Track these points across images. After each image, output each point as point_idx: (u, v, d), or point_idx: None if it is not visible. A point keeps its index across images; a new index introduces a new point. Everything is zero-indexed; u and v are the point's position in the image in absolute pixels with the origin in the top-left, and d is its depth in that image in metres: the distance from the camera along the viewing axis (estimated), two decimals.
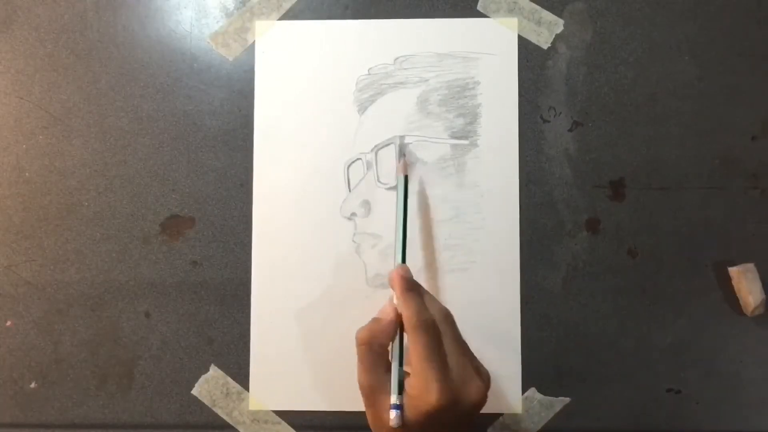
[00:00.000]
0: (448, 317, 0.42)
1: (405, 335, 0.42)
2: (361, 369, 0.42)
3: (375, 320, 0.43)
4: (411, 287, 0.43)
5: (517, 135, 0.52)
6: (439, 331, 0.41)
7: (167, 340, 0.51)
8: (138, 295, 0.52)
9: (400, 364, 0.42)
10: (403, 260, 0.45)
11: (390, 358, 0.43)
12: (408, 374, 0.41)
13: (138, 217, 0.52)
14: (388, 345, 0.43)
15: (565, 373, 0.50)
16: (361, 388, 0.42)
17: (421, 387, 0.39)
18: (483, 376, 0.41)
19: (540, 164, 0.52)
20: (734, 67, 0.52)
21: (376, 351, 0.42)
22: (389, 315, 0.42)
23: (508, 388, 0.50)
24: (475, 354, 0.49)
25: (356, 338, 0.42)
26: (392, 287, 0.43)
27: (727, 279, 0.50)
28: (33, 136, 0.53)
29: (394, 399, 0.40)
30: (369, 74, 0.52)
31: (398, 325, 0.42)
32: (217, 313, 0.52)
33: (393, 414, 0.39)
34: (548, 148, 0.52)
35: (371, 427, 0.43)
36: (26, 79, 0.53)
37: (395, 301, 0.43)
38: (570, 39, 0.52)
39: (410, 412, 0.40)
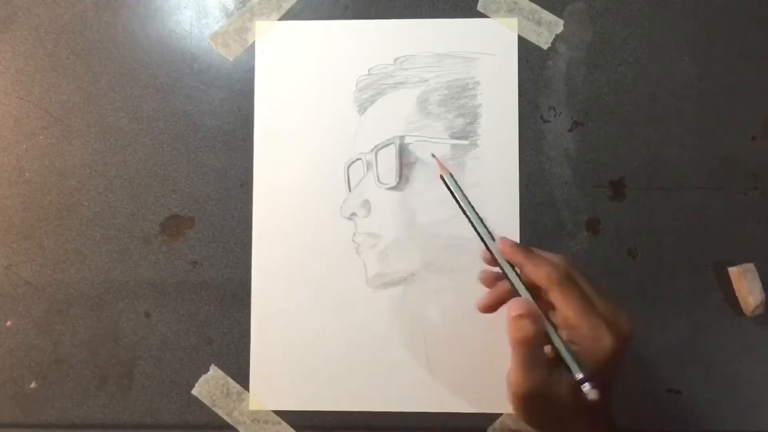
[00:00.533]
0: (569, 262, 0.40)
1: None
2: (521, 370, 0.38)
3: (521, 315, 0.39)
4: (526, 248, 0.41)
5: (517, 135, 0.52)
6: (579, 277, 0.40)
7: (167, 340, 0.51)
8: (138, 295, 0.52)
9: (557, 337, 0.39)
10: (493, 238, 0.42)
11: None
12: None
13: (138, 217, 0.52)
14: (544, 334, 0.39)
15: None
16: (529, 391, 0.38)
17: (590, 336, 0.38)
18: (619, 304, 0.40)
19: (540, 164, 0.52)
20: (734, 67, 0.52)
21: (536, 343, 0.38)
22: (529, 302, 0.39)
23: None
24: (476, 353, 0.49)
25: (514, 339, 0.38)
26: (506, 258, 0.41)
27: (727, 279, 0.50)
28: (33, 136, 0.53)
29: (579, 374, 0.37)
30: (369, 74, 0.52)
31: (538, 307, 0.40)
32: (217, 313, 0.52)
33: (587, 388, 0.37)
34: (548, 148, 0.52)
35: (530, 424, 0.40)
36: (26, 79, 0.53)
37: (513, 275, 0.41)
38: (570, 39, 0.52)
39: (588, 368, 0.38)
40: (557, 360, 0.39)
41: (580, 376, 0.37)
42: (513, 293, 0.41)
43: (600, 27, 0.52)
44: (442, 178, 0.44)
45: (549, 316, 0.40)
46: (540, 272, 0.39)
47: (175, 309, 0.52)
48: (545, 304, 0.40)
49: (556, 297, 0.39)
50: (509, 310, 0.39)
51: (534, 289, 0.40)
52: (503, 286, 0.42)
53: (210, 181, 0.52)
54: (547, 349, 0.39)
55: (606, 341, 0.37)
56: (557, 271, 0.39)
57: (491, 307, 0.43)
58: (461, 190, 0.44)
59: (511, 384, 0.38)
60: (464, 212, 0.43)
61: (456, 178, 0.44)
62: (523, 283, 0.41)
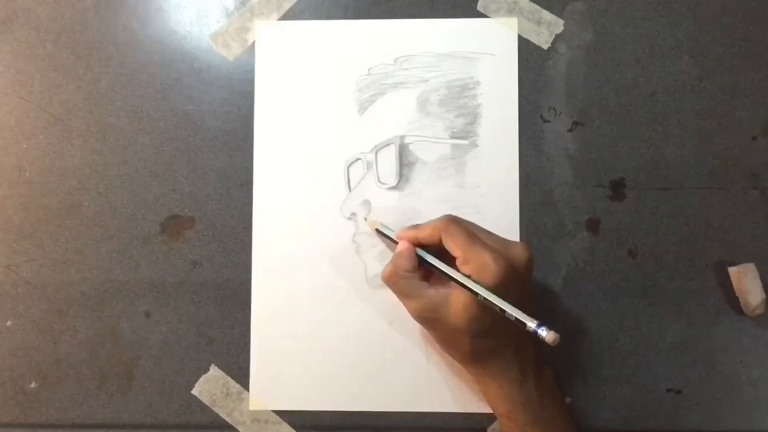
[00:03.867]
0: (459, 217, 0.46)
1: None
2: (406, 302, 0.45)
3: (394, 256, 0.46)
4: (415, 225, 0.46)
5: (517, 135, 0.52)
6: (464, 222, 0.45)
7: (167, 340, 0.51)
8: (138, 295, 0.52)
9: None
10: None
11: (421, 280, 0.45)
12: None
13: (138, 217, 0.52)
14: (413, 269, 0.45)
15: (565, 373, 0.50)
16: (419, 314, 0.44)
17: (478, 266, 0.42)
18: (517, 241, 0.46)
19: (540, 164, 0.52)
20: (734, 67, 0.52)
21: (405, 277, 0.44)
22: (404, 245, 0.46)
23: None
24: None
25: (383, 278, 0.45)
26: (406, 237, 0.46)
27: (727, 279, 0.50)
28: (33, 136, 0.53)
29: (532, 325, 0.39)
30: (369, 74, 0.52)
31: (414, 253, 0.45)
32: (217, 313, 0.52)
33: (544, 333, 0.39)
34: (548, 148, 0.52)
35: (442, 345, 0.47)
36: (26, 79, 0.53)
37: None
38: (570, 39, 0.52)
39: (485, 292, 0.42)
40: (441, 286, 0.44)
41: (532, 325, 0.39)
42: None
43: (600, 27, 0.52)
44: (377, 231, 0.50)
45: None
46: (426, 230, 0.45)
47: (175, 309, 0.52)
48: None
49: (446, 244, 0.44)
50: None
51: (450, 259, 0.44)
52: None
53: (210, 181, 0.52)
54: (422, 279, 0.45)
55: (490, 271, 0.41)
56: (439, 221, 0.44)
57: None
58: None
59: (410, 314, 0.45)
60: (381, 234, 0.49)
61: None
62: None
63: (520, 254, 0.43)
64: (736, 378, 0.50)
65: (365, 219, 0.51)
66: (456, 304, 0.42)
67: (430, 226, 0.45)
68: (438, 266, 0.44)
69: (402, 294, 0.45)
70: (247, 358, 0.51)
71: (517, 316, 0.40)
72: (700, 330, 0.50)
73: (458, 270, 0.43)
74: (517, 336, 0.44)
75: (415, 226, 0.46)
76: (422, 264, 0.46)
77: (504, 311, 0.40)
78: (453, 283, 0.43)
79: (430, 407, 0.50)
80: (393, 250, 0.47)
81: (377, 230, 0.50)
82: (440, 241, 0.44)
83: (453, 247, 0.43)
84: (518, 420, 0.44)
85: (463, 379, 0.50)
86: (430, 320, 0.44)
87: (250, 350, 0.51)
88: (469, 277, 0.42)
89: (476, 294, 0.41)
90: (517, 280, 0.43)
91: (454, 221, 0.44)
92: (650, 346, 0.50)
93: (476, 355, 0.44)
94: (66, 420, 0.51)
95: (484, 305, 0.42)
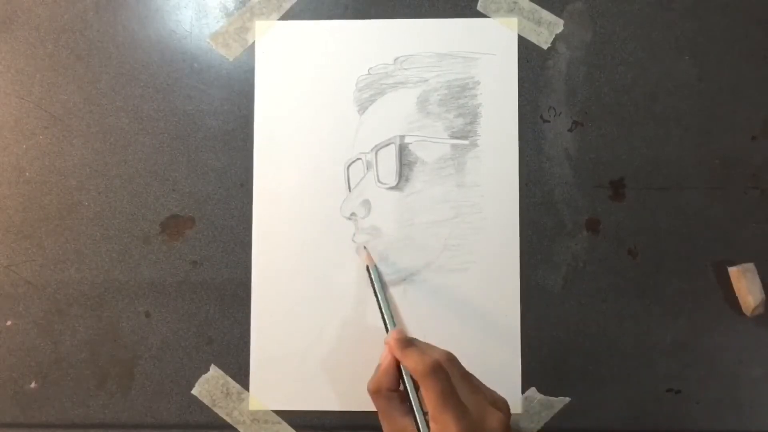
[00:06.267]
0: (451, 358, 0.42)
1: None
2: (380, 417, 0.43)
3: (378, 368, 0.44)
4: (408, 344, 0.43)
5: (517, 135, 0.52)
6: (447, 374, 0.41)
7: (167, 340, 0.51)
8: (138, 295, 0.52)
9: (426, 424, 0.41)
10: (393, 325, 0.46)
11: (403, 402, 0.43)
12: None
13: (138, 217, 0.52)
14: (395, 388, 0.43)
15: (565, 373, 0.50)
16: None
17: (438, 430, 0.39)
18: (501, 406, 0.42)
19: (540, 164, 0.52)
20: (734, 67, 0.52)
21: (386, 396, 0.43)
22: (388, 360, 0.43)
23: (508, 388, 0.50)
24: (476, 353, 0.49)
25: (368, 390, 0.44)
26: (392, 353, 0.43)
27: (727, 279, 0.50)
28: (33, 136, 0.53)
29: None
30: (369, 74, 0.52)
31: (399, 369, 0.43)
32: (217, 313, 0.52)
33: None
34: (548, 148, 0.52)
35: None
36: (26, 79, 0.53)
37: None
38: (570, 39, 0.52)
39: None
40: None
41: None
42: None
43: (600, 27, 0.52)
44: (367, 268, 0.49)
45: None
46: (410, 364, 0.41)
47: (175, 309, 0.52)
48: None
49: (422, 391, 0.40)
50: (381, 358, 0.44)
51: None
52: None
53: (210, 181, 0.52)
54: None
55: (493, 421, 0.39)
56: (423, 365, 0.40)
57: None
58: (381, 283, 0.49)
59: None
60: (380, 296, 0.48)
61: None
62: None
63: (494, 428, 0.40)
64: (736, 378, 0.50)
65: (364, 248, 0.51)
66: None
67: (414, 361, 0.41)
68: (414, 407, 0.42)
69: (379, 411, 0.43)
70: (247, 358, 0.51)
71: None
72: (700, 330, 0.50)
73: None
74: None
75: (406, 344, 0.43)
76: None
77: None
78: (432, 427, 0.40)
79: None
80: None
81: (367, 268, 0.49)
82: (414, 374, 0.41)
83: (426, 399, 0.40)
84: None
85: None
86: None
87: (250, 350, 0.51)
88: None
89: None
90: None
91: (434, 372, 0.40)
92: (650, 346, 0.50)
93: None
94: (66, 420, 0.51)
95: None
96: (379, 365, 0.44)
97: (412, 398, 0.42)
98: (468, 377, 0.42)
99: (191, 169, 0.52)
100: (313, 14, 0.53)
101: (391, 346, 0.43)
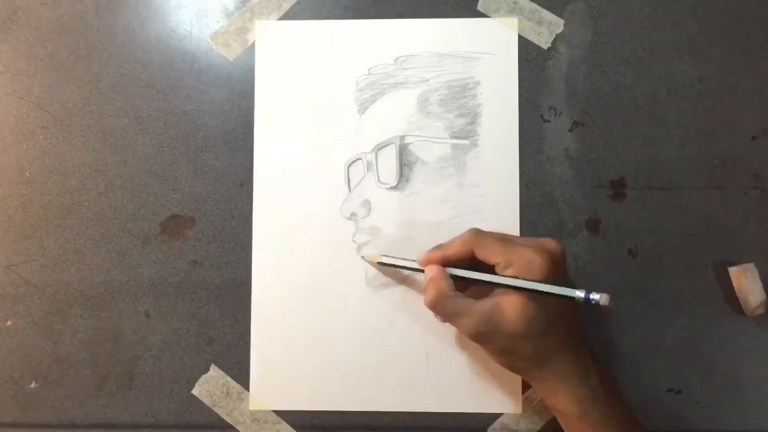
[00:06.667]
0: (477, 230, 0.46)
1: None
2: (458, 322, 0.44)
3: (427, 283, 0.45)
4: (437, 248, 0.46)
5: (517, 135, 0.52)
6: (485, 233, 0.45)
7: (167, 340, 0.51)
8: (138, 295, 0.52)
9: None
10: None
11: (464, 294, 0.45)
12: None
13: (138, 217, 0.52)
14: (453, 288, 0.45)
15: None
16: (475, 331, 0.43)
17: (521, 266, 0.42)
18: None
19: (540, 164, 0.52)
20: (734, 67, 0.52)
21: (451, 296, 0.44)
22: (434, 270, 0.45)
23: (508, 388, 0.50)
24: (475, 353, 0.49)
25: (428, 304, 0.45)
26: (434, 259, 0.46)
27: (727, 279, 0.50)
28: (33, 136, 0.53)
29: (580, 293, 0.40)
30: (369, 74, 0.52)
31: (445, 269, 0.45)
32: (217, 313, 0.52)
33: (599, 297, 0.40)
34: (548, 148, 0.52)
35: (500, 359, 0.45)
36: (26, 79, 0.53)
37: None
38: (570, 39, 0.52)
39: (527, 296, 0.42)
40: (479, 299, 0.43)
41: (581, 294, 0.40)
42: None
43: (600, 27, 0.52)
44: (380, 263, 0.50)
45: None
46: (454, 247, 0.45)
47: (175, 309, 0.52)
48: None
49: (481, 254, 0.44)
50: (425, 278, 0.46)
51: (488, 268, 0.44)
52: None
53: (210, 181, 0.52)
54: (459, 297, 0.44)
55: (537, 262, 0.42)
56: (466, 235, 0.45)
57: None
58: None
59: (463, 335, 0.45)
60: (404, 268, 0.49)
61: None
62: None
63: (555, 247, 0.44)
64: (736, 378, 0.50)
65: (362, 258, 0.51)
66: (510, 309, 0.42)
67: (458, 242, 0.45)
68: (481, 278, 0.44)
69: (452, 315, 0.44)
70: (247, 358, 0.51)
71: (578, 295, 0.40)
72: (700, 330, 0.50)
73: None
74: (572, 333, 0.44)
75: (439, 247, 0.46)
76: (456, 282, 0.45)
77: (564, 296, 0.41)
78: (498, 290, 0.43)
79: (430, 407, 0.50)
80: (408, 277, 0.49)
81: (380, 263, 0.49)
82: (470, 255, 0.44)
83: (490, 255, 0.43)
84: (591, 419, 0.43)
85: (463, 379, 0.50)
86: (486, 333, 0.43)
87: (250, 350, 0.51)
88: (516, 278, 0.42)
89: (530, 291, 0.41)
90: (559, 271, 0.43)
91: (479, 231, 0.45)
92: (650, 346, 0.50)
93: (541, 356, 0.43)
94: (66, 420, 0.51)
95: (539, 304, 0.42)
96: (427, 284, 0.45)
97: (475, 275, 0.44)
98: (502, 234, 0.46)
99: (191, 169, 0.52)
100: (313, 14, 0.53)
101: (430, 257, 0.46)
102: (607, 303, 0.39)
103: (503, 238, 0.44)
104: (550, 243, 0.44)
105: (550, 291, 0.41)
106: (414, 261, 0.47)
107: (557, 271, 0.43)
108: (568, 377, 0.43)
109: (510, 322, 0.42)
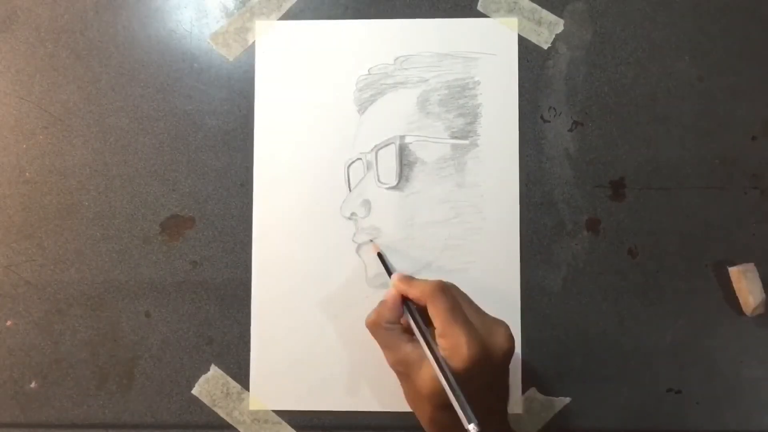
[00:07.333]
0: (453, 285, 0.45)
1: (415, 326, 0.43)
2: (384, 351, 0.44)
3: (380, 303, 0.45)
4: (411, 278, 0.45)
5: (517, 135, 0.52)
6: (452, 293, 0.43)
7: (167, 340, 0.51)
8: (138, 295, 0.52)
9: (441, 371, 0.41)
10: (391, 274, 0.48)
11: (404, 332, 0.44)
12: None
13: (138, 217, 0.52)
14: (396, 321, 0.44)
15: (565, 373, 0.50)
16: (393, 366, 0.44)
17: (451, 346, 0.40)
18: (502, 323, 0.43)
19: (540, 164, 0.52)
20: (734, 67, 0.52)
21: (387, 328, 0.44)
22: (392, 294, 0.45)
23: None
24: None
25: (366, 324, 0.45)
26: (397, 287, 0.45)
27: (727, 279, 0.50)
28: (33, 136, 0.53)
29: (468, 426, 0.38)
30: (369, 74, 0.52)
31: (401, 303, 0.44)
32: (217, 313, 0.52)
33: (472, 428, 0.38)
34: (548, 148, 0.52)
35: (409, 402, 0.45)
36: (26, 79, 0.53)
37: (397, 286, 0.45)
38: (570, 39, 0.52)
39: (451, 372, 0.40)
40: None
41: (470, 428, 0.38)
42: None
43: (600, 27, 0.52)
44: (378, 255, 0.50)
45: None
46: (416, 289, 0.43)
47: (175, 309, 0.52)
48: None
49: (430, 310, 0.42)
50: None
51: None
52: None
53: (210, 181, 0.52)
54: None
55: (462, 353, 0.40)
56: (429, 286, 0.43)
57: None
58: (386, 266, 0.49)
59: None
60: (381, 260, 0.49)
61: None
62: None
63: (500, 343, 0.42)
64: (736, 378, 0.50)
65: (371, 241, 0.51)
66: (426, 371, 0.41)
67: (420, 287, 0.43)
68: (415, 331, 0.43)
69: (381, 344, 0.44)
70: (247, 358, 0.51)
71: (459, 412, 0.38)
72: (700, 330, 0.50)
73: (435, 340, 0.42)
74: (481, 412, 0.40)
75: (409, 279, 0.45)
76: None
77: (452, 400, 0.39)
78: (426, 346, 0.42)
79: None
80: (388, 277, 0.48)
81: (378, 254, 0.50)
82: (422, 298, 0.43)
83: (434, 316, 0.42)
84: None
85: None
86: (402, 374, 0.43)
87: (250, 350, 0.51)
88: (435, 355, 0.41)
89: (444, 381, 0.40)
90: (489, 368, 0.41)
91: (441, 290, 0.42)
92: (650, 346, 0.50)
93: (436, 425, 0.42)
94: (66, 420, 0.51)
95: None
96: (381, 301, 0.45)
97: (414, 325, 0.43)
98: (469, 300, 0.44)
99: (191, 169, 0.52)
100: (313, 14, 0.53)
101: (396, 282, 0.45)
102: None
103: (454, 308, 0.41)
104: (498, 337, 0.42)
105: (447, 391, 0.39)
106: (394, 271, 0.48)
107: (483, 369, 0.40)
108: None
109: (420, 380, 0.41)
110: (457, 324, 0.41)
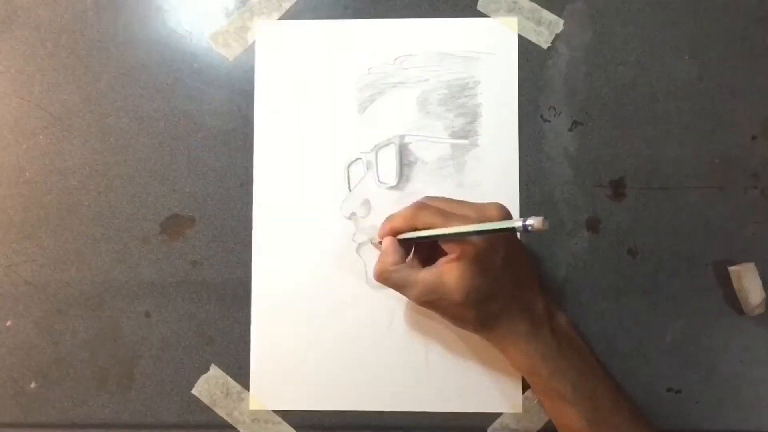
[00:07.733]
0: (428, 197, 0.47)
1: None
2: (404, 292, 0.45)
3: (380, 254, 0.46)
4: (389, 217, 0.46)
5: (517, 135, 0.52)
6: (433, 198, 0.46)
7: (167, 340, 0.51)
8: (138, 295, 0.52)
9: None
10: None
11: (412, 266, 0.45)
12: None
13: (138, 217, 0.52)
14: (400, 261, 0.45)
15: None
16: (418, 300, 0.44)
17: (476, 217, 0.43)
18: (493, 203, 0.45)
19: (540, 164, 0.52)
20: (734, 67, 0.52)
21: (395, 270, 0.44)
22: (388, 241, 0.46)
23: (508, 388, 0.50)
24: (475, 353, 0.49)
25: (375, 278, 0.46)
26: (388, 228, 0.46)
27: (727, 279, 0.50)
28: (33, 136, 0.53)
29: (520, 222, 0.37)
30: (369, 74, 0.52)
31: (395, 241, 0.46)
32: (217, 313, 0.52)
33: (531, 221, 0.36)
34: (548, 147, 0.52)
35: (453, 322, 0.46)
36: (26, 79, 0.53)
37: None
38: (570, 39, 0.52)
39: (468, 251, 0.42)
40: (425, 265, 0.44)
41: (519, 223, 0.37)
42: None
43: (600, 27, 0.52)
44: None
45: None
46: (401, 219, 0.45)
47: (175, 309, 0.52)
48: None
49: (423, 221, 0.44)
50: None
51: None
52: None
53: (210, 181, 0.52)
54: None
55: (492, 211, 0.43)
56: (411, 208, 0.45)
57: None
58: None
59: (413, 302, 0.45)
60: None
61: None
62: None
63: (494, 215, 0.43)
64: (736, 378, 0.50)
65: (379, 241, 0.51)
66: (450, 278, 0.42)
67: (402, 215, 0.45)
68: (425, 234, 0.44)
69: (397, 286, 0.45)
70: (247, 358, 0.51)
71: (517, 225, 0.37)
72: (700, 330, 0.50)
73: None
74: (519, 293, 0.44)
75: (390, 218, 0.46)
76: (416, 253, 0.46)
77: (504, 229, 0.40)
78: (442, 259, 0.43)
79: (430, 407, 0.50)
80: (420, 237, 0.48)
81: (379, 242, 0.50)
82: (414, 227, 0.44)
83: (431, 221, 0.43)
84: (541, 373, 0.44)
85: (463, 379, 0.50)
86: (433, 302, 0.44)
87: (250, 350, 0.51)
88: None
89: (471, 234, 0.41)
90: (503, 240, 0.44)
91: (423, 203, 0.45)
92: (650, 346, 0.50)
93: (484, 321, 0.44)
94: (66, 420, 0.51)
95: (479, 271, 0.42)
96: (379, 255, 0.46)
97: (423, 234, 0.44)
98: (449, 199, 0.45)
99: (191, 169, 0.52)
100: (313, 14, 0.53)
101: (383, 228, 0.46)
102: (541, 226, 0.36)
103: (442, 208, 0.44)
104: (491, 210, 0.43)
105: (486, 228, 0.40)
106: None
107: (499, 237, 0.43)
108: (515, 336, 0.44)
109: (451, 291, 0.42)
110: (453, 215, 0.43)
